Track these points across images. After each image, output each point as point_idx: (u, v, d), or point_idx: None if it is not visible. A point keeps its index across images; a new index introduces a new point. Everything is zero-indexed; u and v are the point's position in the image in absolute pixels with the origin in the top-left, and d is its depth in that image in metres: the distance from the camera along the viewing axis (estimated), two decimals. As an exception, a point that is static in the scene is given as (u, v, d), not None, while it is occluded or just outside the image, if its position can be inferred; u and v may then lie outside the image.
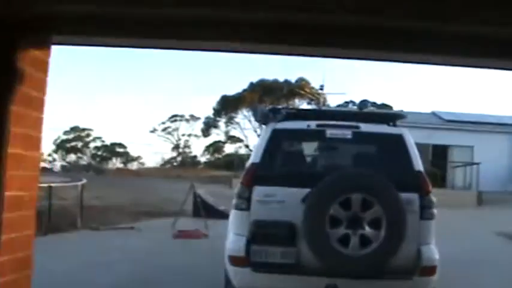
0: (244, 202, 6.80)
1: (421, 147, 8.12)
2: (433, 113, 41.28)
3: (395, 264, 6.40)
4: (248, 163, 7.30)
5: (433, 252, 6.75)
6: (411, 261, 6.58)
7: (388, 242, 6.31)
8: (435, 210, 6.83)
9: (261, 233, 6.62)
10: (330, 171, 6.83)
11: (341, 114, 7.95)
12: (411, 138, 7.11)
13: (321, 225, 6.31)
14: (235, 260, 6.74)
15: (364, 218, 6.40)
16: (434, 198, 6.84)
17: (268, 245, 6.60)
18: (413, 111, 36.65)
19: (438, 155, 35.36)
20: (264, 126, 7.61)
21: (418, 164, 6.94)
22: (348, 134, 7.08)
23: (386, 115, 7.74)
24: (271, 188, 6.82)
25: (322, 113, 8.28)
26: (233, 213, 7.09)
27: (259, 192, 6.78)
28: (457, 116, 40.88)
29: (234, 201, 7.00)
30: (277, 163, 7.26)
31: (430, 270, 6.66)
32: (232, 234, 6.98)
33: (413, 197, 6.69)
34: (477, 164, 31.53)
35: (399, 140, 7.06)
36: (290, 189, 6.78)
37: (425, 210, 6.73)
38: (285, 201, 6.72)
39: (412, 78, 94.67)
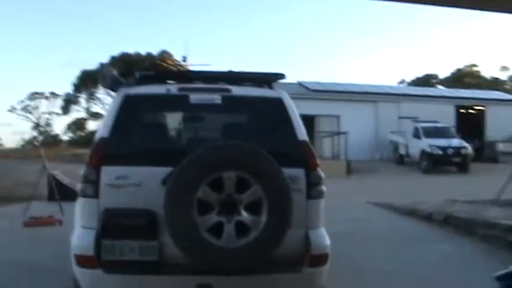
0: (91, 187, 5.40)
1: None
2: (299, 84, 40.91)
3: (279, 255, 5.21)
4: (95, 138, 5.82)
5: (324, 237, 5.65)
6: (298, 250, 5.46)
7: (271, 230, 5.12)
8: (324, 187, 5.74)
9: (113, 225, 5.24)
10: (196, 145, 5.48)
11: (208, 75, 6.53)
12: (292, 103, 5.94)
13: (188, 213, 5.02)
14: (82, 260, 5.32)
15: (241, 201, 5.17)
16: (322, 173, 5.76)
17: (123, 239, 5.23)
18: (279, 82, 36.01)
19: (305, 125, 34.95)
20: (114, 92, 6.14)
21: (302, 133, 5.79)
22: (216, 99, 5.78)
23: (262, 75, 6.43)
24: (124, 168, 5.43)
25: (185, 75, 6.70)
26: (79, 201, 5.66)
27: (109, 173, 5.39)
28: (323, 86, 40.94)
29: (78, 186, 5.60)
30: (131, 137, 5.82)
31: (321, 259, 5.56)
32: (78, 228, 5.57)
33: (299, 172, 5.56)
34: (344, 133, 31.33)
35: (279, 104, 5.86)
36: (148, 169, 5.43)
37: (313, 188, 5.60)
38: (141, 184, 5.36)
39: (278, 49, 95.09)
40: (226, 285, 5.29)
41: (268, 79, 6.27)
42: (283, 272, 5.39)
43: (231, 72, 6.31)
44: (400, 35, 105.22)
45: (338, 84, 43.11)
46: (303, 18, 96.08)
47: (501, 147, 39.54)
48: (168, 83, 6.07)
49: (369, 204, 16.96)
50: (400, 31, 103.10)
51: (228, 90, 5.88)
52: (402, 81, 72.49)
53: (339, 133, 31.54)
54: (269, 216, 5.12)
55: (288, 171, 5.30)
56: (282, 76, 6.31)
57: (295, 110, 5.89)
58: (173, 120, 6.67)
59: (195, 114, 6.14)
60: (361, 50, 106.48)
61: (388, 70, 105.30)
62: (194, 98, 5.75)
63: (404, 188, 23.57)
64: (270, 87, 6.17)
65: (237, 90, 5.92)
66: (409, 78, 73.92)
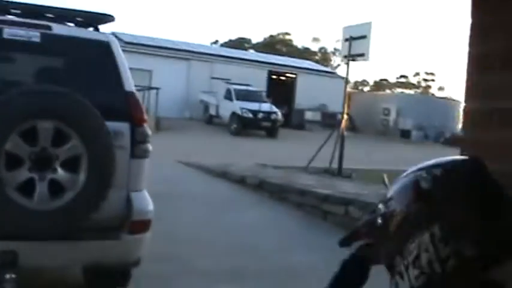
0: None
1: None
2: (113, 34, 39.33)
3: (97, 219, 4.59)
4: None
5: (146, 201, 5.11)
6: (118, 214, 4.89)
7: (89, 190, 4.50)
8: (150, 146, 5.18)
9: None
10: (6, 88, 4.61)
11: (25, 8, 5.53)
12: (120, 49, 5.25)
13: None
14: None
15: (57, 157, 4.49)
16: (149, 130, 5.17)
17: None
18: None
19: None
20: None
21: (130, 84, 5.14)
22: (34, 36, 4.91)
23: (89, 15, 5.60)
24: None
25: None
26: None
27: None
28: (137, 39, 39.77)
29: None
30: None
31: (143, 225, 5.02)
32: None
33: (123, 127, 4.95)
34: (157, 89, 30.56)
35: (106, 48, 5.15)
36: None
37: (138, 146, 5.04)
38: None
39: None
40: (34, 253, 4.55)
41: (95, 19, 5.51)
42: (100, 239, 4.80)
43: (53, 8, 5.39)
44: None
45: (152, 38, 42.10)
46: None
47: (308, 115, 40.93)
48: None
49: (180, 164, 16.48)
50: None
51: (48, 28, 5.04)
52: (215, 42, 72.67)
53: (150, 88, 30.63)
54: (88, 175, 4.50)
55: (111, 125, 4.68)
56: (111, 18, 5.57)
57: (123, 57, 5.24)
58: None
59: (7, 51, 5.19)
60: (175, 7, 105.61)
61: (202, 30, 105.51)
62: (8, 32, 4.85)
63: (214, 148, 23.46)
64: (97, 30, 5.42)
65: (59, 29, 5.12)
66: (222, 40, 74.34)
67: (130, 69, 5.15)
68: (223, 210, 10.39)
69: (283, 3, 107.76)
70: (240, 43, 69.92)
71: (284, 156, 21.32)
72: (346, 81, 18.00)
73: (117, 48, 5.21)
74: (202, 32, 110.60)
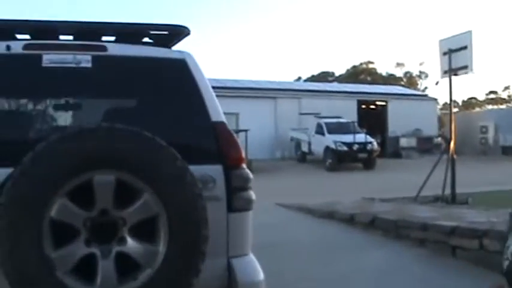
0: None
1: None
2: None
3: None
4: None
5: (255, 268, 3.79)
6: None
7: (174, 264, 3.21)
8: (253, 194, 3.86)
9: None
10: (49, 131, 3.48)
11: (71, 27, 4.25)
12: (200, 68, 4.01)
13: (34, 242, 3.06)
14: None
15: (124, 221, 3.24)
16: (249, 173, 3.86)
17: None
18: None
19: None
20: None
21: (218, 112, 3.88)
22: (84, 60, 3.75)
23: (157, 27, 4.30)
24: None
25: (39, 26, 4.26)
26: None
27: None
28: (220, 82, 39.14)
29: None
30: None
31: None
32: None
33: (214, 171, 3.70)
34: (246, 130, 29.53)
35: (181, 69, 3.92)
36: None
37: (238, 195, 3.73)
38: None
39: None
40: None
41: (168, 34, 4.22)
42: None
43: (109, 24, 4.11)
44: (292, 32, 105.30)
45: (236, 80, 41.48)
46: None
47: (403, 142, 39.11)
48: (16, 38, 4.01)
49: (279, 207, 15.17)
50: (290, 28, 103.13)
51: (102, 48, 3.87)
52: (298, 79, 71.79)
53: (239, 131, 29.66)
54: (170, 244, 3.20)
55: (198, 170, 3.41)
56: (186, 31, 4.24)
57: (205, 78, 3.97)
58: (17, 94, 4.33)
59: (48, 83, 3.96)
60: (256, 47, 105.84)
61: (284, 67, 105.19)
62: (48, 58, 3.69)
63: (312, 187, 22.17)
64: (167, 46, 4.19)
65: (115, 49, 3.93)
66: (305, 76, 73.36)
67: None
68: (336, 256, 9.01)
69: (362, 33, 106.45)
70: (323, 77, 68.83)
71: (387, 187, 19.81)
72: (451, 99, 16.16)
73: (196, 67, 3.99)
74: (283, 71, 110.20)
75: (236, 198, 3.71)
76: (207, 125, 3.79)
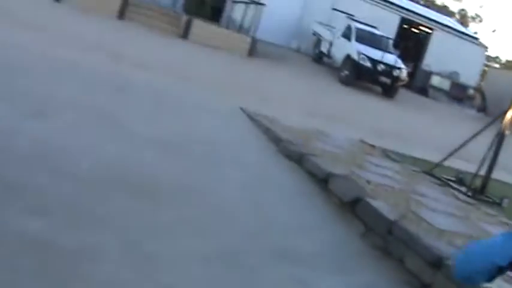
0: None
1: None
2: None
3: None
4: None
5: None
6: None
7: None
8: None
9: None
10: None
11: None
12: None
13: None
14: None
15: None
16: None
17: None
18: None
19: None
20: None
21: None
22: None
23: None
24: None
25: None
26: None
27: None
28: None
29: None
30: None
31: None
32: None
33: None
34: (261, 4, 24.28)
35: None
36: None
37: None
38: None
39: None
40: None
41: None
42: None
43: None
44: None
45: None
46: None
47: (435, 81, 33.95)
48: None
49: (241, 114, 10.40)
50: None
51: None
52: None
53: (254, 2, 24.40)
54: None
55: None
56: None
57: None
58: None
59: None
60: None
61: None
62: None
63: (312, 97, 17.51)
64: None
65: None
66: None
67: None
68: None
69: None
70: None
71: (400, 131, 15.16)
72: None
73: None
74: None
75: None
76: None
